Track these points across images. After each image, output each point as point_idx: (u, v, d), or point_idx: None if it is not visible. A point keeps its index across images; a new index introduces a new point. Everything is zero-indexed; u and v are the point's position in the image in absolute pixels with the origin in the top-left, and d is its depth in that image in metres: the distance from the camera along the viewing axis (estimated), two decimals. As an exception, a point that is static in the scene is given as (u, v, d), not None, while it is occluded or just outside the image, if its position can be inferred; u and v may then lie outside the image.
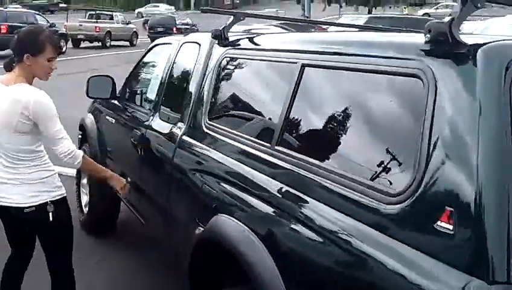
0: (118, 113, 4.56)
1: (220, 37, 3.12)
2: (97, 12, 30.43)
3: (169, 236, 3.33)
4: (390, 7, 34.91)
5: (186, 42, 3.73)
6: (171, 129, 3.41)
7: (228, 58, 3.05)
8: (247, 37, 3.10)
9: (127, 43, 29.79)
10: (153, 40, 21.95)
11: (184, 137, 3.20)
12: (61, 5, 50.71)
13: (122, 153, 4.33)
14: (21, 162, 2.80)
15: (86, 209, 5.30)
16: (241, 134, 2.67)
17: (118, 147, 4.41)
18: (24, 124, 2.71)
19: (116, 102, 4.68)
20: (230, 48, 3.08)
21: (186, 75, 3.52)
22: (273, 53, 2.66)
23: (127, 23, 30.87)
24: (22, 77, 2.78)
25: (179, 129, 3.30)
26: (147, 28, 32.95)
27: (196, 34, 3.86)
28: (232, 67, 3.02)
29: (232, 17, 3.14)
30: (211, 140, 2.92)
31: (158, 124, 3.66)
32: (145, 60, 4.54)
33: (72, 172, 6.85)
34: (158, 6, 52.76)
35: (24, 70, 2.78)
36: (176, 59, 3.74)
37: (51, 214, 2.82)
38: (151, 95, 4.01)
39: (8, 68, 2.85)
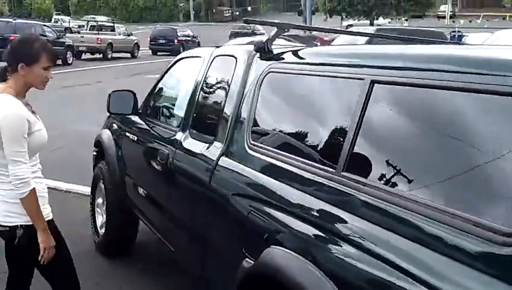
0: (140, 129, 4.31)
1: (263, 50, 2.88)
2: (99, 23, 30.27)
3: (205, 266, 3.08)
4: (391, 19, 34.82)
5: (218, 56, 3.49)
6: (205, 149, 3.16)
7: (274, 73, 2.81)
8: (292, 50, 2.86)
9: (129, 55, 29.64)
10: (154, 52, 21.85)
11: (223, 158, 2.96)
12: (60, 16, 50.61)
13: (146, 173, 4.08)
14: (1, 178, 2.67)
15: (101, 231, 5.04)
16: (295, 157, 2.43)
17: (141, 165, 4.15)
18: None
19: (136, 118, 4.44)
20: (275, 61, 2.84)
21: (221, 91, 3.28)
22: (332, 68, 2.42)
23: (129, 35, 30.72)
24: (10, 88, 2.65)
25: (216, 149, 3.05)
26: (148, 39, 32.83)
27: (229, 47, 3.62)
28: (279, 83, 2.78)
29: (275, 28, 2.91)
30: (257, 162, 2.67)
31: (190, 143, 3.41)
32: (170, 74, 4.29)
33: (87, 190, 6.63)
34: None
35: (18, 80, 2.66)
36: (208, 73, 3.49)
37: (17, 238, 2.71)
38: (180, 111, 3.76)
39: (2, 78, 2.70)
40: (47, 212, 2.79)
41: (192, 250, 3.19)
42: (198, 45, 33.98)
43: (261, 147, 2.69)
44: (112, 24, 31.21)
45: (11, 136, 2.56)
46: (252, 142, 2.76)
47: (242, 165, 2.77)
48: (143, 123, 4.31)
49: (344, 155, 2.10)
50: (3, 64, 2.72)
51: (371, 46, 3.34)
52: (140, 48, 31.03)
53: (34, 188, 2.62)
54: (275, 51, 2.89)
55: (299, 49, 2.85)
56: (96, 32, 28.52)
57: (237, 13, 64.45)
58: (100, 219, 5.14)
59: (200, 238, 3.09)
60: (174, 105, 4.02)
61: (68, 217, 5.76)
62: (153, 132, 4.12)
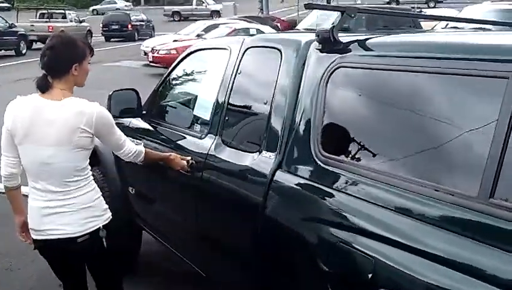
0: (147, 134, 3.72)
1: (329, 41, 2.37)
2: (49, 11, 28.83)
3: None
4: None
5: (252, 47, 2.94)
6: (251, 160, 2.64)
7: (346, 68, 2.30)
8: (366, 40, 2.36)
9: (82, 43, 28.40)
10: (107, 38, 20.90)
11: (280, 173, 2.44)
12: (4, 4, 48.29)
13: (161, 185, 3.53)
14: (73, 184, 2.59)
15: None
16: (398, 175, 1.94)
17: (153, 176, 3.58)
18: (85, 139, 2.55)
19: (139, 120, 3.86)
20: (345, 54, 2.33)
21: (263, 90, 2.75)
22: (440, 62, 1.93)
23: (80, 22, 29.43)
24: (66, 90, 2.58)
25: (266, 161, 2.53)
26: (100, 25, 31.57)
27: (266, 37, 3.08)
28: (356, 80, 2.28)
29: (339, 13, 2.40)
30: (337, 180, 2.17)
31: (224, 152, 2.87)
32: (181, 69, 3.70)
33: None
34: (116, 3, 50.74)
35: (68, 82, 2.58)
36: (240, 69, 2.95)
37: (104, 239, 2.67)
38: (202, 113, 3.21)
39: (45, 88, 2.55)
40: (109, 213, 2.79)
41: (244, 284, 2.68)
42: (153, 29, 32.93)
43: (340, 161, 2.19)
44: (62, 11, 29.80)
45: (111, 126, 2.68)
46: (325, 153, 2.26)
47: (313, 182, 2.27)
48: (149, 126, 3.74)
49: (490, 175, 1.63)
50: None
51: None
52: (93, 35, 29.80)
53: (143, 150, 2.91)
54: (343, 42, 2.37)
55: (377, 38, 2.36)
56: (47, 19, 27.15)
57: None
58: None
59: (252, 270, 2.58)
60: (191, 106, 3.46)
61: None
62: (164, 137, 3.55)
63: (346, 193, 2.12)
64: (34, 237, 2.67)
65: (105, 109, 2.68)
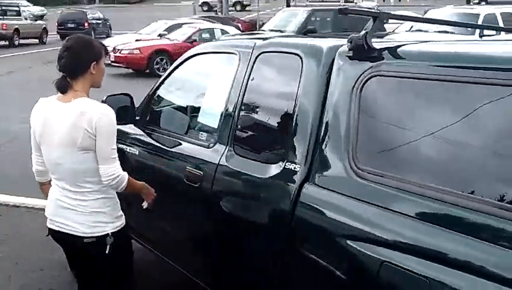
0: (142, 141, 3.52)
1: (362, 48, 2.24)
2: (3, 8, 27.83)
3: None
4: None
5: (266, 52, 2.79)
6: (272, 172, 2.49)
7: (382, 77, 2.18)
8: (402, 47, 2.25)
9: (37, 41, 27.53)
10: (62, 36, 20.25)
11: (308, 186, 2.30)
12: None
13: (163, 198, 3.33)
14: (86, 188, 2.61)
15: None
16: (451, 190, 1.83)
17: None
18: (90, 140, 2.52)
19: (131, 127, 3.65)
20: (380, 62, 2.21)
21: (282, 98, 2.61)
22: (485, 72, 1.85)
23: (36, 19, 28.55)
24: (81, 91, 2.59)
25: (290, 173, 2.39)
26: (56, 23, 30.72)
27: (279, 41, 2.92)
28: (394, 90, 2.16)
29: (371, 19, 2.27)
30: (376, 194, 2.05)
31: (238, 162, 2.71)
32: (181, 73, 3.50)
33: (42, 204, 5.68)
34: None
35: (85, 82, 2.61)
36: (253, 75, 2.79)
37: (108, 246, 2.64)
38: (209, 121, 3.04)
39: (65, 89, 2.58)
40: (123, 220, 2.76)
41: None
42: (110, 28, 32.25)
43: (380, 175, 2.06)
44: (17, 8, 28.83)
45: (111, 134, 2.56)
46: (361, 166, 2.13)
47: (349, 197, 2.13)
48: (144, 134, 3.54)
49: None
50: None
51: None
52: (49, 33, 28.95)
53: (128, 178, 2.64)
54: (377, 48, 2.25)
55: (412, 46, 2.25)
56: (1, 17, 26.22)
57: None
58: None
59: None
60: (194, 113, 3.28)
61: (26, 238, 4.90)
62: (161, 144, 3.36)
63: (388, 209, 2.00)
64: (48, 225, 2.74)
65: (112, 113, 2.58)
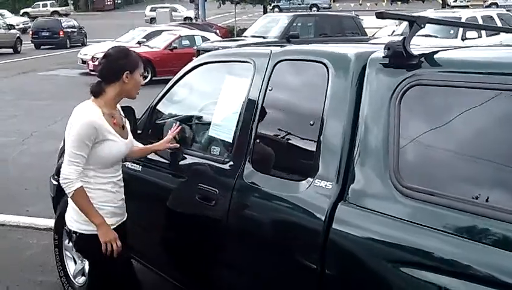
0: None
1: (401, 55, 2.07)
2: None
3: None
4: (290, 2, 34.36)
5: (285, 60, 2.61)
6: (299, 190, 2.30)
7: (424, 86, 2.01)
8: (438, 53, 2.08)
9: (11, 50, 26.95)
10: (37, 45, 19.82)
11: (343, 207, 2.12)
12: None
13: (171, 216, 3.11)
14: None
15: (77, 281, 3.97)
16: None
17: (156, 205, 3.17)
18: None
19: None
20: (421, 70, 2.04)
21: (308, 110, 2.43)
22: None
23: (9, 28, 27.95)
24: (110, 98, 2.75)
25: (321, 191, 2.21)
26: (30, 32, 30.17)
27: (299, 48, 2.73)
28: (440, 99, 1.98)
29: (406, 23, 2.11)
30: (426, 216, 1.87)
31: (259, 179, 2.52)
32: (188, 83, 3.29)
33: (27, 222, 5.43)
34: (46, 6, 48.68)
35: (116, 90, 2.74)
36: (272, 85, 2.61)
37: (73, 243, 2.96)
38: (222, 134, 2.84)
39: (96, 93, 2.75)
40: (115, 221, 2.83)
41: None
42: (85, 36, 31.77)
43: (430, 193, 1.89)
44: (-12, 16, 28.25)
45: (73, 138, 2.65)
46: (406, 184, 1.96)
47: (393, 219, 1.95)
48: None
49: None
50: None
51: None
52: (23, 42, 28.36)
53: (81, 188, 2.66)
54: (416, 55, 2.08)
55: (453, 53, 2.09)
56: (-27, 27, 25.67)
57: (119, 1, 61.53)
58: (72, 266, 4.05)
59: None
60: (204, 126, 3.07)
61: (11, 259, 4.64)
62: (168, 159, 3.15)
63: (441, 232, 1.82)
64: None
65: (83, 118, 2.66)
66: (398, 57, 2.08)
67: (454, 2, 42.45)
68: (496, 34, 14.48)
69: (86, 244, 2.82)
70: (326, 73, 2.35)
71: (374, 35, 19.57)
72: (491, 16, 15.52)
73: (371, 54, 2.26)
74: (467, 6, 39.83)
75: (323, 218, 2.15)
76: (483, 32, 14.36)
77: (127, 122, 2.94)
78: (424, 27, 2.12)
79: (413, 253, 1.88)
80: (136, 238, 3.24)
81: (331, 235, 2.11)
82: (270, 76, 2.63)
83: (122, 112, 2.92)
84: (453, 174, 1.92)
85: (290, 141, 2.51)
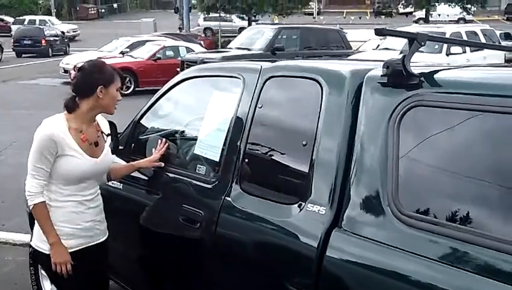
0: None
1: (401, 74, 1.96)
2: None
3: None
4: (269, 16, 34.44)
5: (276, 76, 2.49)
6: (289, 215, 2.17)
7: (424, 107, 1.89)
8: (440, 72, 1.98)
9: (-9, 59, 26.61)
10: (18, 54, 19.55)
11: (337, 234, 1.99)
12: None
13: (152, 237, 2.97)
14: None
15: (53, 301, 3.78)
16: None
17: (137, 226, 3.02)
18: None
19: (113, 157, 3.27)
20: (422, 90, 1.93)
21: (301, 130, 2.30)
22: None
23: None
24: (84, 113, 2.65)
25: (313, 216, 2.08)
26: (11, 40, 29.79)
27: (290, 64, 2.61)
28: (443, 122, 1.87)
29: (407, 41, 1.99)
30: (428, 246, 1.75)
31: (247, 202, 2.39)
32: (174, 98, 3.14)
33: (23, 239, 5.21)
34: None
35: (90, 105, 2.65)
36: (262, 102, 2.48)
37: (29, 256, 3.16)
38: (209, 153, 2.70)
39: (69, 108, 2.65)
40: (74, 243, 2.67)
41: None
42: (68, 45, 31.47)
43: (431, 222, 1.77)
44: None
45: (33, 150, 2.59)
46: (404, 211, 1.84)
47: (393, 248, 1.83)
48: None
49: None
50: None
51: None
52: (4, 50, 27.99)
53: (41, 204, 2.59)
54: (417, 75, 1.97)
55: (457, 72, 1.98)
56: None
57: (103, 10, 61.20)
58: (48, 285, 3.86)
59: None
60: (189, 143, 2.93)
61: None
62: (152, 178, 3.00)
63: (443, 264, 1.70)
64: None
65: (43, 129, 2.59)
66: (398, 76, 1.97)
67: (402, 9, 43.40)
68: (479, 49, 14.59)
69: (41, 262, 2.77)
70: (320, 91, 2.24)
71: (358, 48, 19.64)
72: (475, 32, 15.63)
73: (367, 71, 2.15)
74: (411, 13, 40.56)
75: (316, 245, 2.02)
76: (467, 48, 14.46)
77: (108, 140, 2.80)
78: (424, 45, 2.02)
79: (413, 285, 1.76)
80: (114, 259, 3.09)
81: (324, 263, 1.99)
82: (260, 92, 2.50)
83: (103, 129, 2.79)
84: (456, 202, 1.80)
85: (280, 162, 2.38)
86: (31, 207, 2.62)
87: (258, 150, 2.46)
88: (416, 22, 37.71)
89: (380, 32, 1.99)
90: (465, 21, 34.75)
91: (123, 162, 3.07)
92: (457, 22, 34.80)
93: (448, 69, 2.12)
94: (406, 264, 1.79)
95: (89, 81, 2.63)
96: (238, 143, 2.51)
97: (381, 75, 2.03)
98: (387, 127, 1.95)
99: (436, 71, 2.01)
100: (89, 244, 2.73)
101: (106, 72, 2.66)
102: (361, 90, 2.11)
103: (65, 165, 2.59)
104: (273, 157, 2.41)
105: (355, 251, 1.93)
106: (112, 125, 3.15)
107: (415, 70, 1.98)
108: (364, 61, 3.01)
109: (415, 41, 1.98)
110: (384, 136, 1.95)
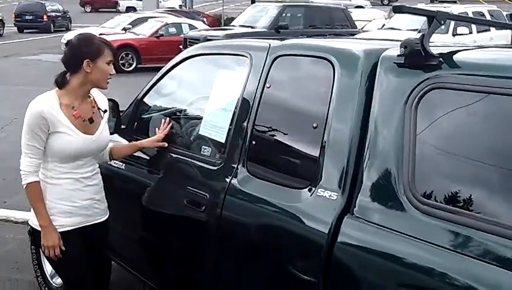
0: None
1: (419, 54, 1.86)
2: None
3: None
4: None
5: (284, 55, 2.39)
6: (298, 199, 2.09)
7: (444, 90, 1.80)
8: (460, 52, 1.88)
9: (-7, 34, 26.44)
10: (20, 29, 19.30)
11: (349, 221, 1.91)
12: None
13: (154, 219, 2.89)
14: None
15: (54, 281, 3.74)
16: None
17: (139, 207, 2.94)
18: None
19: (115, 136, 3.18)
20: (441, 70, 1.83)
21: (311, 111, 2.21)
22: None
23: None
24: (73, 88, 2.57)
25: (324, 201, 2.00)
26: (13, 15, 29.54)
27: (300, 43, 2.51)
28: (465, 105, 1.77)
29: (426, 19, 1.89)
30: (446, 236, 1.67)
31: (254, 185, 2.30)
32: (178, 76, 3.04)
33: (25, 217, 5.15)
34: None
35: (77, 79, 2.56)
36: (270, 82, 2.39)
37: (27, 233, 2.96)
38: (214, 134, 2.61)
39: (62, 84, 2.58)
40: (72, 221, 2.62)
41: None
42: (70, 21, 31.21)
43: (450, 211, 1.69)
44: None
45: (24, 128, 2.54)
46: (421, 198, 1.75)
47: (407, 237, 1.75)
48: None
49: None
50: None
51: None
52: (6, 25, 27.78)
53: (33, 183, 2.54)
54: (436, 55, 1.87)
55: (480, 53, 1.89)
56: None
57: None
58: (49, 265, 3.81)
59: None
60: (193, 123, 2.84)
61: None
62: (155, 159, 2.91)
63: (460, 254, 1.63)
64: None
65: (33, 107, 2.52)
66: (416, 57, 1.87)
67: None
68: (487, 30, 14.41)
69: (37, 239, 2.68)
70: (332, 71, 2.14)
71: (363, 28, 19.45)
72: (482, 12, 15.42)
73: (382, 51, 2.05)
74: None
75: (326, 232, 1.94)
76: (473, 28, 14.29)
77: (105, 117, 2.71)
78: (444, 24, 1.91)
79: (428, 276, 1.68)
80: (115, 240, 3.02)
81: (335, 251, 1.91)
82: (268, 72, 2.40)
83: (100, 105, 2.70)
84: (475, 189, 1.72)
85: (289, 144, 2.30)
86: (24, 186, 2.56)
87: (265, 132, 2.37)
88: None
89: (398, 10, 1.88)
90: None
91: (125, 142, 2.99)
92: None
93: (468, 49, 2.02)
94: (421, 254, 1.71)
95: (76, 55, 2.55)
96: (245, 124, 2.42)
97: (398, 55, 1.93)
98: (404, 110, 1.86)
99: (456, 51, 1.91)
100: (88, 223, 2.67)
101: (93, 46, 2.55)
102: (375, 71, 2.02)
103: (58, 143, 2.53)
104: (281, 139, 2.33)
105: (368, 238, 1.85)
106: (114, 103, 3.06)
107: (434, 51, 1.88)
108: (378, 40, 2.90)
109: (434, 20, 1.88)
110: (401, 120, 1.86)
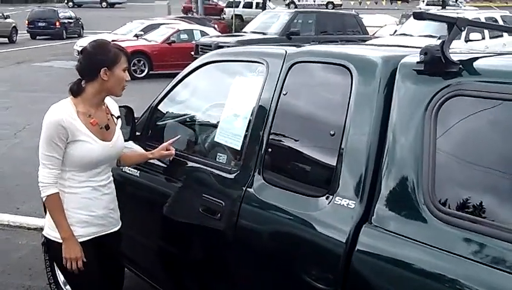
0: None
1: (439, 61, 1.84)
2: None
3: None
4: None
5: (301, 62, 2.37)
6: (316, 208, 2.07)
7: (465, 97, 1.78)
8: (481, 58, 1.85)
9: (6, 40, 26.56)
10: (33, 36, 19.35)
11: (367, 230, 1.89)
12: None
13: (169, 227, 2.88)
14: None
15: (67, 288, 3.73)
16: None
17: (154, 215, 2.93)
18: None
19: (130, 143, 3.18)
20: (462, 78, 1.81)
21: (328, 118, 2.19)
22: None
23: (5, 18, 27.58)
24: (89, 97, 2.54)
25: (341, 210, 1.97)
26: (26, 22, 29.77)
27: (317, 49, 2.49)
28: (487, 113, 1.75)
29: (446, 25, 1.87)
30: (469, 246, 1.64)
31: (270, 193, 2.29)
32: (193, 83, 3.03)
33: (15, 221, 5.17)
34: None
35: (95, 88, 2.54)
36: (287, 89, 2.37)
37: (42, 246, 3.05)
38: (230, 141, 2.60)
39: (77, 92, 2.54)
40: (88, 231, 2.60)
41: None
42: (82, 28, 31.40)
43: (471, 220, 1.66)
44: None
45: (42, 139, 2.50)
46: (442, 207, 1.73)
47: (427, 247, 1.72)
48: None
49: None
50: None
51: None
52: (19, 32, 27.99)
53: (54, 195, 2.50)
54: (456, 62, 1.85)
55: (500, 60, 1.85)
56: (-36, 16, 25.28)
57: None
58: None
59: None
60: (208, 130, 2.83)
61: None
62: (170, 166, 2.90)
63: (483, 265, 1.60)
64: None
65: (50, 116, 2.48)
66: (436, 64, 1.85)
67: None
68: (499, 36, 14.31)
69: (53, 251, 2.68)
70: (350, 78, 2.12)
71: (374, 34, 19.40)
72: (495, 18, 15.32)
73: (401, 58, 2.03)
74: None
75: (344, 241, 1.92)
76: (486, 34, 14.19)
77: (118, 123, 2.70)
78: (464, 30, 1.89)
79: (449, 287, 1.65)
80: (130, 247, 3.01)
81: (353, 260, 1.88)
82: (284, 79, 2.39)
83: (113, 112, 2.69)
84: (496, 198, 1.69)
85: (306, 152, 2.27)
86: (43, 198, 2.53)
87: (282, 139, 2.36)
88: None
89: (419, 16, 1.87)
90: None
91: (140, 148, 2.97)
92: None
93: (489, 56, 2.00)
94: (441, 263, 1.68)
95: (92, 64, 2.51)
96: (261, 131, 2.40)
97: (417, 62, 1.91)
98: (424, 117, 1.84)
99: (476, 58, 1.89)
100: (102, 233, 2.66)
101: (110, 53, 2.52)
102: (394, 78, 2.00)
103: (78, 151, 2.50)
104: (298, 147, 2.31)
105: (387, 248, 1.83)
106: (128, 109, 3.06)
107: (454, 58, 1.86)
108: (394, 46, 2.87)
109: (454, 26, 1.86)
110: (420, 127, 1.84)
